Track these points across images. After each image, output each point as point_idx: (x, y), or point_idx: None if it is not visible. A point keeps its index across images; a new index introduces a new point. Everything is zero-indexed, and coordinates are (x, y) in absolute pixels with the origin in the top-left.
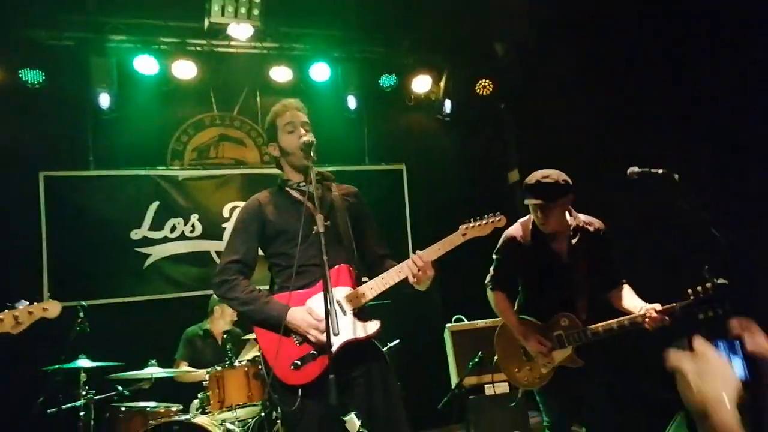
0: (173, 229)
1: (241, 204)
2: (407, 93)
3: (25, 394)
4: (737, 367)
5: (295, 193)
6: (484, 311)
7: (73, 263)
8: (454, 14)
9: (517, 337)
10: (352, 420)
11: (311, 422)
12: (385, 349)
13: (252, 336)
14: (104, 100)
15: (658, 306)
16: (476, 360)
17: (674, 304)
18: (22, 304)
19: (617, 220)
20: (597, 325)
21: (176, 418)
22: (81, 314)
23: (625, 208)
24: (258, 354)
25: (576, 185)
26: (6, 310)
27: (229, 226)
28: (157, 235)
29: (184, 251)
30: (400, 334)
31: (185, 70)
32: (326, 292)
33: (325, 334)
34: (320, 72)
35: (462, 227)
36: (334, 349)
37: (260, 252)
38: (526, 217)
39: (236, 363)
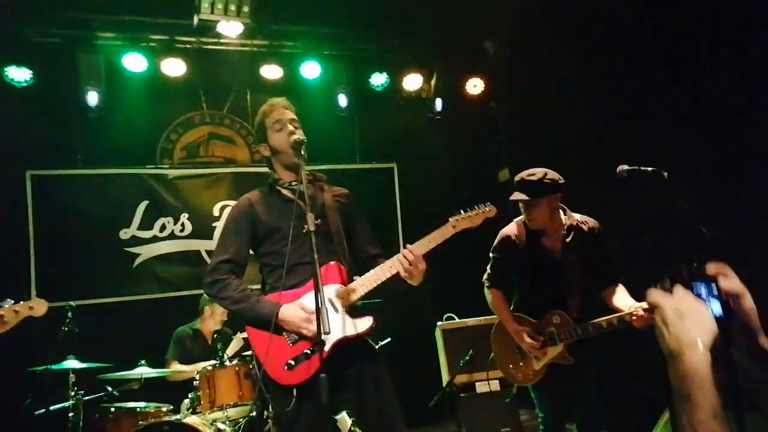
0: (163, 228)
1: (232, 203)
2: (398, 91)
3: (13, 395)
4: (714, 309)
5: (286, 192)
6: (475, 309)
7: (61, 263)
8: (445, 12)
9: (510, 333)
10: (344, 418)
11: (305, 422)
12: (376, 347)
13: (242, 335)
14: (92, 98)
15: (645, 304)
16: (467, 358)
17: None
18: (8, 303)
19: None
20: (587, 322)
21: (166, 419)
22: (69, 314)
23: (620, 207)
24: (249, 353)
25: (569, 185)
26: None
27: (219, 225)
28: (146, 234)
29: (174, 251)
30: (391, 332)
31: (174, 67)
32: (317, 290)
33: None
34: (311, 70)
35: (451, 219)
36: (327, 347)
37: (252, 252)
38: (522, 216)
39: (227, 362)
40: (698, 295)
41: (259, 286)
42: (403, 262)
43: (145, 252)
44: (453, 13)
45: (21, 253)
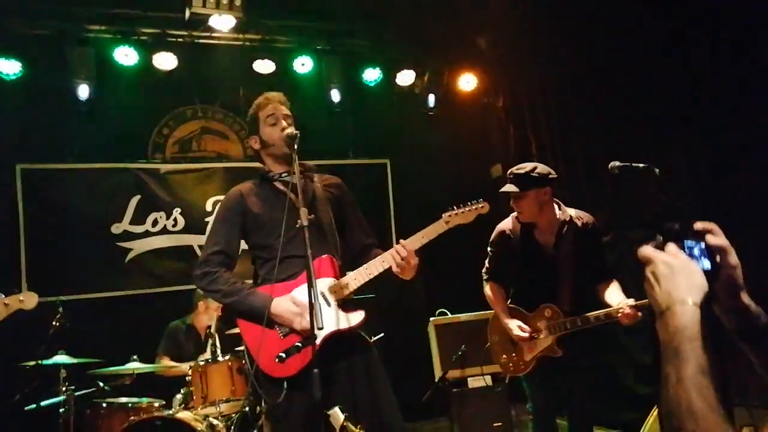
0: (155, 223)
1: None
2: (391, 87)
3: (4, 391)
4: (704, 266)
5: (277, 184)
6: (468, 305)
7: (52, 258)
8: (438, 8)
9: (503, 323)
10: (336, 413)
11: (297, 415)
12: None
13: (234, 330)
14: (83, 91)
15: (631, 301)
16: (459, 353)
17: (647, 300)
18: None
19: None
20: (576, 317)
21: (158, 414)
22: (60, 309)
23: (607, 204)
24: (241, 348)
25: (561, 181)
26: None
27: (212, 220)
28: (138, 229)
29: (167, 245)
30: (384, 327)
31: (166, 61)
32: (310, 286)
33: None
34: (303, 65)
35: (445, 215)
36: (318, 340)
37: (245, 246)
38: None
39: (219, 358)
40: (689, 251)
41: (250, 281)
42: (395, 257)
43: (137, 247)
44: (446, 8)
45: (11, 248)
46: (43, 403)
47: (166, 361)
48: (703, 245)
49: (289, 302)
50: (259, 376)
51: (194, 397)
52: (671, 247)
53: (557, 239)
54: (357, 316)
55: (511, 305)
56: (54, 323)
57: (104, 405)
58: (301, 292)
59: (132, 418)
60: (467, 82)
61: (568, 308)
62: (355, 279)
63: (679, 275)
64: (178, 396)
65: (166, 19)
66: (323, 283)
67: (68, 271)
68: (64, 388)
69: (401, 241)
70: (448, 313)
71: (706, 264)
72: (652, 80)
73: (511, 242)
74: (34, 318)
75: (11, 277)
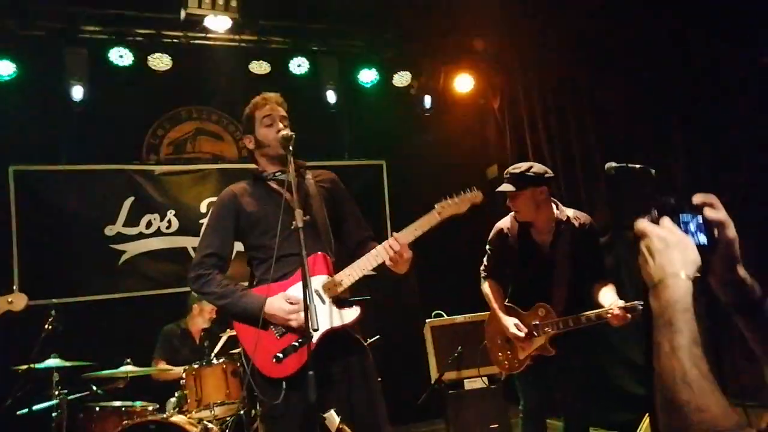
0: (149, 224)
1: None
2: (387, 88)
3: None
4: (700, 240)
5: (271, 184)
6: (464, 307)
7: (45, 260)
8: (434, 8)
9: (499, 321)
10: (332, 416)
11: (293, 416)
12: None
13: (230, 333)
14: (77, 92)
15: (621, 303)
16: (456, 355)
17: (635, 303)
18: None
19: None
20: (568, 317)
21: (152, 417)
22: (53, 312)
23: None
24: (236, 352)
25: (557, 180)
26: None
27: (205, 222)
28: (132, 231)
29: (161, 247)
30: (380, 330)
31: (161, 62)
32: (305, 287)
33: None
34: (299, 66)
35: (437, 206)
36: (315, 339)
37: (241, 247)
38: None
39: (214, 361)
40: (684, 225)
41: (246, 284)
42: (388, 251)
43: (131, 249)
44: (441, 9)
45: (4, 250)
46: (35, 407)
47: (162, 365)
48: (700, 219)
49: (282, 301)
50: (256, 376)
51: (188, 401)
52: (666, 221)
53: (554, 239)
54: (352, 313)
55: (507, 303)
56: (47, 326)
57: (97, 409)
58: (294, 291)
59: (125, 421)
60: (463, 83)
61: (562, 308)
62: (349, 275)
63: (674, 250)
64: (172, 399)
65: (161, 19)
66: (317, 281)
67: (61, 273)
68: (56, 392)
69: (394, 234)
70: (445, 314)
71: (702, 238)
72: (651, 80)
73: (509, 241)
74: (27, 321)
75: (3, 279)
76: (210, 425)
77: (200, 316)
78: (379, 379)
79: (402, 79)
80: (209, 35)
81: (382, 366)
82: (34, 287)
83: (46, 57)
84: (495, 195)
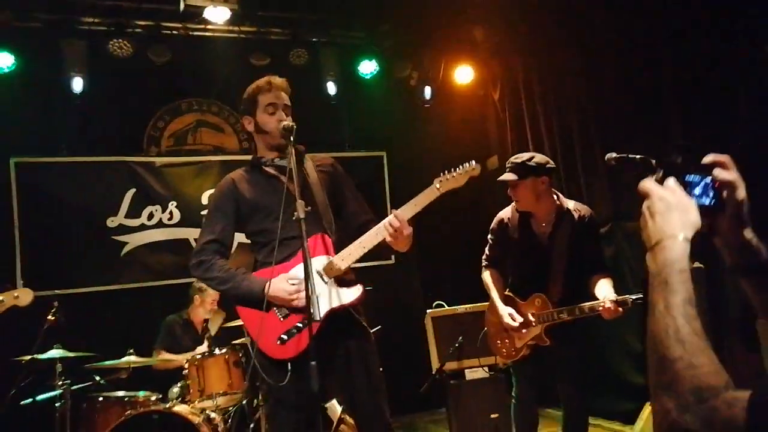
0: (150, 216)
1: None
2: (387, 79)
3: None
4: (705, 201)
5: (269, 169)
6: (465, 297)
7: (47, 252)
8: None
9: (495, 310)
10: (334, 406)
11: (296, 402)
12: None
13: (232, 324)
14: (77, 84)
15: (613, 296)
16: (457, 345)
17: (627, 296)
18: None
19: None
20: (563, 308)
21: (155, 407)
22: (55, 304)
23: (604, 196)
24: (238, 341)
25: (557, 171)
26: None
27: (206, 211)
28: (134, 222)
29: (162, 239)
30: (381, 320)
31: (160, 54)
32: (307, 278)
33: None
34: (299, 57)
35: (436, 180)
36: (318, 319)
37: (245, 240)
38: None
39: (216, 351)
40: (690, 186)
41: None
42: (388, 228)
43: (133, 240)
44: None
45: (6, 243)
46: (39, 398)
47: (164, 355)
48: (709, 179)
49: (284, 282)
50: (261, 359)
51: (191, 391)
52: (670, 181)
53: (553, 230)
54: (354, 292)
55: (506, 293)
56: (49, 317)
57: (100, 399)
58: (296, 271)
59: (128, 411)
60: (463, 74)
61: (558, 299)
62: (350, 254)
63: (674, 211)
64: (175, 389)
65: (161, 11)
66: (318, 262)
67: (63, 265)
68: (60, 383)
69: (393, 211)
70: (445, 305)
71: (705, 200)
72: (652, 71)
73: (509, 231)
74: (30, 313)
75: (5, 271)
76: (213, 415)
77: (202, 307)
78: (381, 369)
79: (402, 70)
80: (209, 27)
81: (384, 357)
82: (36, 279)
83: (45, 49)
84: (495, 186)
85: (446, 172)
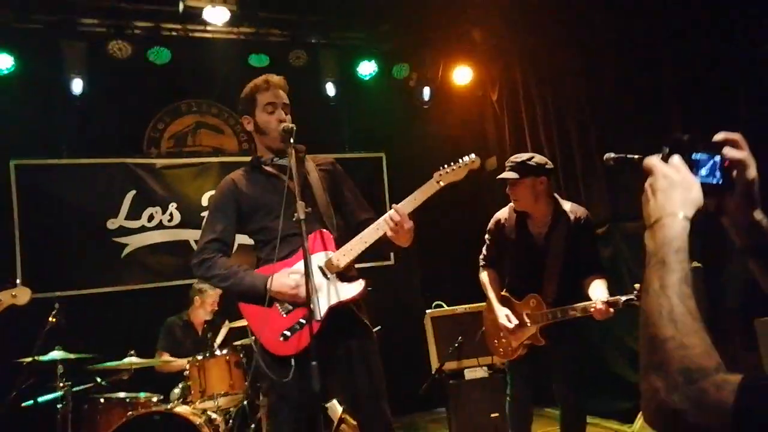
0: (151, 218)
1: None
2: (386, 80)
3: (0, 387)
4: (712, 180)
5: (269, 168)
6: (464, 297)
7: (48, 254)
8: (433, 0)
9: (492, 310)
10: (334, 406)
11: (298, 400)
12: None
13: (230, 326)
14: (77, 85)
15: (604, 298)
16: (456, 345)
17: (618, 297)
18: None
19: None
20: (557, 308)
21: (157, 408)
22: (56, 305)
23: (602, 196)
24: (239, 343)
25: (556, 172)
26: None
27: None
28: (134, 224)
29: (163, 240)
30: (381, 320)
31: (160, 55)
32: (308, 280)
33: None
34: (298, 58)
35: (436, 174)
36: (320, 316)
37: (246, 240)
38: None
39: (217, 352)
40: (697, 164)
41: None
42: (389, 222)
43: (134, 242)
44: (440, 1)
45: (6, 244)
46: (40, 399)
47: (165, 357)
48: (717, 158)
49: (286, 276)
50: (263, 355)
51: (192, 392)
52: (675, 159)
53: (549, 231)
54: (356, 287)
55: (503, 293)
56: (50, 319)
57: (102, 400)
58: (299, 266)
59: (130, 412)
60: (462, 74)
61: (552, 299)
62: (351, 249)
63: (676, 189)
64: (176, 390)
65: (160, 12)
66: (319, 258)
67: (64, 266)
68: (61, 384)
69: (394, 205)
70: (445, 305)
71: (712, 179)
72: (652, 71)
73: (506, 231)
74: (30, 314)
75: (6, 273)
76: (214, 416)
77: (202, 308)
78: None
79: (401, 71)
80: (208, 28)
81: (384, 357)
82: (36, 281)
83: (44, 50)
84: (494, 186)
85: (446, 165)
